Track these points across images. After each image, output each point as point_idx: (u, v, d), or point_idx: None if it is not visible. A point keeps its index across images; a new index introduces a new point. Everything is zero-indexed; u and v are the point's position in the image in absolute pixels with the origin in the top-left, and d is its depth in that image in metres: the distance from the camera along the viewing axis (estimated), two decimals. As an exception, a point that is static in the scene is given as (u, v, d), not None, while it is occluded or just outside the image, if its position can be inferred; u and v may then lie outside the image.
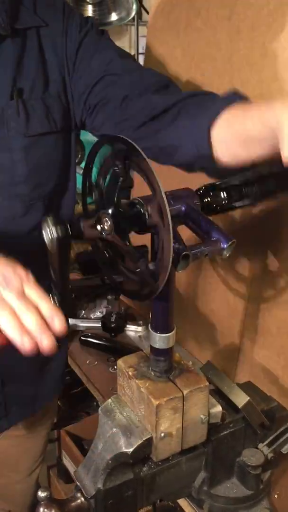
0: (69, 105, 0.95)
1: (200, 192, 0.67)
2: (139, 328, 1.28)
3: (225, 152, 0.75)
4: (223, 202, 0.68)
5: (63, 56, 0.92)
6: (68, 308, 0.66)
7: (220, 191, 0.68)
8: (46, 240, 0.60)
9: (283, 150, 0.63)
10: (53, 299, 0.65)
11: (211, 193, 0.67)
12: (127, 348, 1.20)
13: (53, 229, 0.59)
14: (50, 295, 0.65)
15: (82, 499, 0.69)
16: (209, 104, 0.80)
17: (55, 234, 0.59)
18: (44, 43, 0.91)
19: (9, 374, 1.04)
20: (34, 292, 0.62)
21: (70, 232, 0.60)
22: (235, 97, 0.78)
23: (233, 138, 0.73)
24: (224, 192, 0.69)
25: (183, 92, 0.90)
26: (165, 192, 0.54)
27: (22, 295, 0.61)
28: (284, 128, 0.63)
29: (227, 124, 0.74)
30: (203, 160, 0.79)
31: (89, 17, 0.99)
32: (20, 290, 0.61)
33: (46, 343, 0.59)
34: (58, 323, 0.61)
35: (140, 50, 2.04)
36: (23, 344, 0.59)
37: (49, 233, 0.59)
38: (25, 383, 1.08)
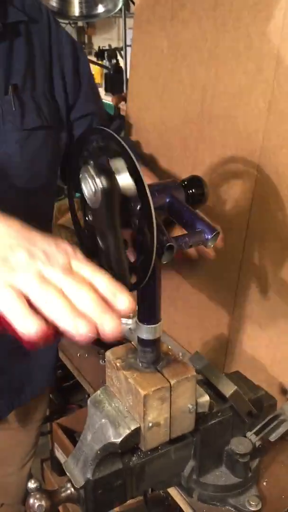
0: (58, 105, 1.00)
1: (184, 184, 0.67)
2: (129, 321, 1.27)
3: None
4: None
5: (50, 64, 0.98)
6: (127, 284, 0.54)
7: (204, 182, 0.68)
8: (87, 196, 0.51)
9: None
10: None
11: (195, 185, 0.67)
12: (117, 341, 1.19)
13: (97, 180, 0.49)
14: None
15: (72, 489, 0.70)
16: None
17: (99, 185, 0.49)
18: (31, 40, 0.95)
19: (17, 359, 1.04)
20: (86, 267, 0.50)
21: (118, 183, 0.49)
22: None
23: None
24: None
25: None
26: (149, 184, 0.54)
27: (71, 271, 0.50)
28: None
29: None
30: None
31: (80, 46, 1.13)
32: (67, 267, 0.50)
33: (110, 326, 0.48)
34: (122, 300, 0.49)
35: (128, 42, 2.03)
36: (78, 329, 0.47)
37: (92, 184, 0.49)
38: (13, 375, 1.08)
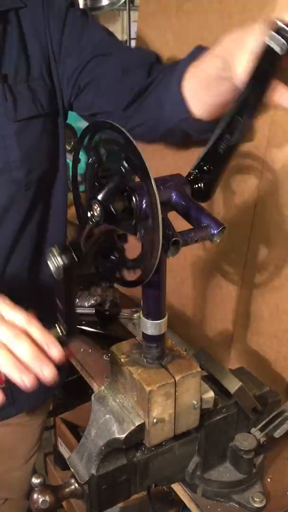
0: (54, 87, 0.95)
1: (190, 178, 0.66)
2: (134, 316, 1.28)
3: (197, 104, 0.82)
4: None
5: (46, 39, 0.92)
6: (74, 329, 0.67)
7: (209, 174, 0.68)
8: (52, 269, 0.60)
9: (234, 71, 0.69)
10: (60, 329, 0.64)
11: (201, 179, 0.67)
12: (121, 336, 1.20)
13: (59, 258, 0.59)
14: (57, 324, 0.64)
15: (76, 485, 0.70)
16: (177, 66, 0.86)
17: (61, 262, 0.58)
18: (24, 25, 0.91)
19: None
20: (20, 316, 0.61)
21: (76, 259, 0.59)
22: (197, 51, 0.85)
23: (198, 86, 0.80)
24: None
25: (165, 65, 0.97)
26: (155, 178, 0.54)
27: (4, 320, 0.61)
28: (232, 51, 0.70)
29: (191, 75, 0.81)
30: (182, 121, 0.85)
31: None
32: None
33: (49, 374, 0.59)
34: (55, 350, 0.59)
35: (132, 35, 2.01)
36: (24, 382, 0.59)
37: (55, 262, 0.59)
38: None
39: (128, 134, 0.53)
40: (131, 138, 0.53)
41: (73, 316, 0.66)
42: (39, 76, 0.92)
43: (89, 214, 0.59)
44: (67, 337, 0.64)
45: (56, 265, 0.59)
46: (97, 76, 0.93)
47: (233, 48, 0.72)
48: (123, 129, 0.54)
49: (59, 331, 0.64)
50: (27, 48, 0.91)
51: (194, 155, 1.09)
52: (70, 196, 0.79)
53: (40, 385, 1.09)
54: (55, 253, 0.59)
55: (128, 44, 1.92)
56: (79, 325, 1.24)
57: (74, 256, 0.59)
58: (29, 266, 1.01)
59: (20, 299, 0.79)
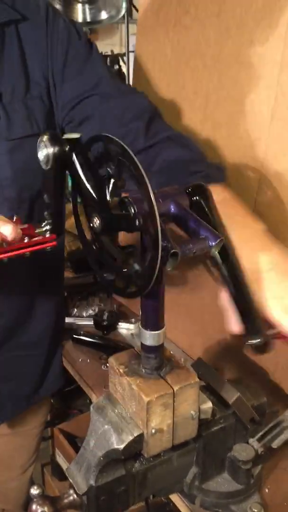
0: (52, 107, 0.93)
1: (188, 191, 0.67)
2: (131, 326, 1.28)
3: None
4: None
5: (47, 59, 0.91)
6: (60, 229, 0.68)
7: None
8: (40, 158, 0.60)
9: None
10: (45, 221, 0.65)
11: (199, 192, 0.67)
12: (119, 346, 1.20)
13: (49, 144, 0.59)
14: (44, 216, 0.65)
15: (75, 495, 0.69)
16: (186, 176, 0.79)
17: (51, 150, 0.58)
18: (24, 40, 0.89)
19: (6, 372, 1.05)
20: None
21: (66, 149, 0.59)
22: (214, 177, 0.80)
23: None
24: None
25: (165, 131, 0.91)
26: (153, 191, 0.55)
27: None
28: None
29: None
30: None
31: (76, 23, 0.97)
32: None
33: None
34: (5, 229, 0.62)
35: (131, 48, 2.03)
36: None
37: (44, 148, 0.59)
38: (23, 382, 1.09)
39: (126, 147, 0.54)
40: (129, 150, 0.54)
41: (60, 212, 0.66)
42: (37, 95, 0.90)
43: (90, 225, 0.60)
44: (51, 229, 0.65)
45: (45, 152, 0.59)
46: (94, 115, 0.91)
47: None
48: (121, 142, 0.55)
49: (44, 228, 0.65)
50: (27, 65, 0.89)
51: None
52: (69, 206, 0.80)
53: (25, 393, 1.10)
54: (45, 139, 0.59)
55: (126, 57, 1.94)
56: (77, 335, 1.25)
57: (65, 146, 0.59)
58: (25, 287, 1.01)
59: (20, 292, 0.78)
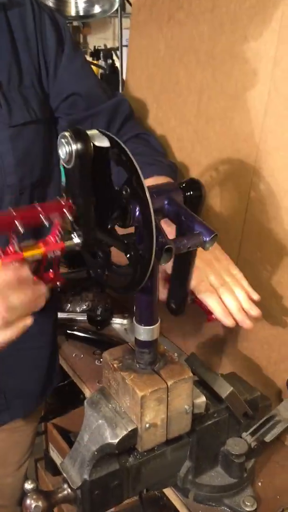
0: (45, 96, 0.96)
1: (182, 186, 0.67)
2: (125, 321, 1.28)
3: None
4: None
5: (37, 50, 0.93)
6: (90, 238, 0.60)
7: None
8: (62, 157, 0.55)
9: None
10: (74, 232, 0.59)
11: (193, 187, 0.68)
12: (113, 341, 1.20)
13: (71, 141, 0.53)
14: (73, 234, 0.59)
15: (69, 490, 0.70)
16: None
17: (74, 147, 0.53)
18: (13, 27, 0.90)
19: (7, 367, 1.05)
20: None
21: (92, 146, 0.53)
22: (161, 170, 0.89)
23: None
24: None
25: (135, 130, 1.04)
26: (148, 186, 0.55)
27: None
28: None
29: None
30: None
31: (60, 17, 1.00)
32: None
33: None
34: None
35: (124, 42, 2.03)
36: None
37: (67, 146, 0.53)
38: (27, 378, 1.09)
39: (121, 143, 0.54)
40: (124, 146, 0.54)
41: (90, 219, 0.58)
42: (30, 84, 0.92)
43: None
44: (83, 247, 0.59)
45: (68, 150, 0.53)
46: (78, 114, 0.99)
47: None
48: (116, 138, 0.55)
49: (74, 239, 0.58)
50: (18, 53, 0.91)
51: (186, 162, 1.10)
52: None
53: (33, 390, 1.11)
54: (68, 136, 0.53)
55: (120, 51, 1.93)
56: (70, 330, 1.25)
57: (91, 142, 0.53)
58: None
59: None
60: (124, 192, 0.56)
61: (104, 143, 0.55)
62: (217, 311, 0.81)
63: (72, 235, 0.59)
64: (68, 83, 0.98)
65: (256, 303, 0.83)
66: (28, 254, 0.57)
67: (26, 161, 0.93)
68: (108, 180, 0.58)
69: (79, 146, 0.53)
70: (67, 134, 0.54)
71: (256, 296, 0.84)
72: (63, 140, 0.54)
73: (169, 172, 0.94)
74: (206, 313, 0.84)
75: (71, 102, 0.99)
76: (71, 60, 0.98)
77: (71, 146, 0.54)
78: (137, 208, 0.56)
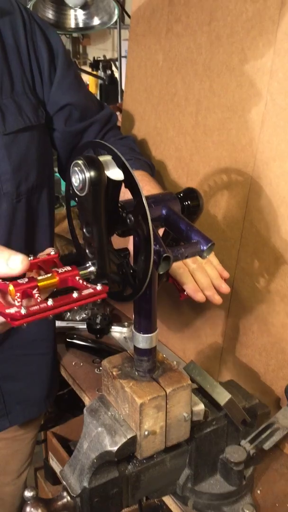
0: (39, 102, 0.98)
1: (180, 196, 0.68)
2: (124, 329, 1.29)
3: None
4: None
5: (28, 57, 0.95)
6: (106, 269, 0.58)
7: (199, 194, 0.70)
8: (75, 185, 0.54)
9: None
10: (89, 261, 0.57)
11: (191, 197, 0.69)
12: (112, 349, 1.21)
13: (85, 169, 0.52)
14: (87, 254, 0.57)
15: (68, 498, 0.70)
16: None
17: (87, 174, 0.52)
18: (4, 35, 0.92)
19: (8, 371, 1.05)
20: None
21: (105, 174, 0.53)
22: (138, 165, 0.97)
23: None
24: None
25: (117, 135, 1.12)
26: (146, 196, 0.56)
27: None
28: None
29: None
30: None
31: (52, 29, 1.03)
32: None
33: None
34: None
35: (123, 53, 2.05)
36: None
37: (80, 173, 0.52)
38: (28, 384, 1.09)
39: (119, 153, 0.55)
40: (121, 156, 0.55)
41: (104, 247, 0.57)
42: (22, 91, 0.94)
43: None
44: (98, 276, 0.57)
45: (81, 178, 0.52)
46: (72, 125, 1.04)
47: None
48: (114, 148, 0.56)
49: (89, 269, 0.56)
50: (9, 61, 0.92)
51: (184, 172, 1.11)
52: (62, 210, 0.80)
53: (34, 396, 1.11)
54: (80, 163, 0.52)
55: (119, 62, 1.95)
56: (70, 339, 1.25)
57: (103, 169, 0.52)
58: None
59: None
60: (128, 218, 0.57)
61: (117, 174, 0.54)
62: (189, 287, 0.85)
63: (87, 264, 0.58)
64: (63, 94, 1.00)
65: (226, 280, 0.89)
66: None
67: (22, 168, 0.93)
68: (115, 203, 0.58)
69: (92, 174, 0.52)
70: (80, 162, 0.53)
71: (226, 274, 0.89)
72: (76, 168, 0.53)
73: (146, 167, 1.02)
74: (178, 291, 0.89)
75: (66, 112, 1.02)
76: (66, 70, 1.01)
77: (84, 174, 0.53)
78: (135, 218, 0.57)
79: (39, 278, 0.54)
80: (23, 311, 0.50)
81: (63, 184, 0.85)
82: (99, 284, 0.56)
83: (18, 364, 1.07)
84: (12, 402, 1.08)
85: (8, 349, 1.04)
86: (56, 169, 1.13)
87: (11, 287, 0.52)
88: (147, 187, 0.93)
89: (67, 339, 1.25)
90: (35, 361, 1.10)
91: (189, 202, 0.68)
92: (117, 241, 0.63)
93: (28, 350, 1.08)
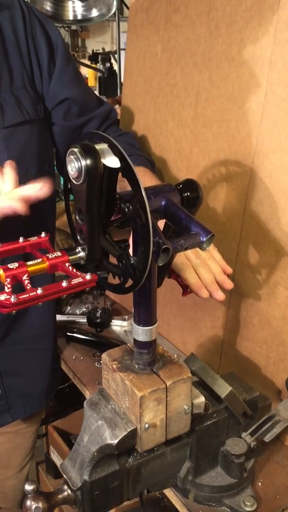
0: (38, 96, 0.97)
1: (179, 187, 0.68)
2: (124, 323, 1.29)
3: None
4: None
5: (29, 52, 0.94)
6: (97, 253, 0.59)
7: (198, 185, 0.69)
8: (71, 173, 0.53)
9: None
10: (79, 246, 0.58)
11: (190, 188, 0.68)
12: (112, 343, 1.20)
13: (81, 157, 0.51)
14: (78, 240, 0.58)
15: (69, 491, 0.70)
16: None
17: (83, 162, 0.51)
18: (4, 28, 0.92)
19: (10, 367, 1.05)
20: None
21: (101, 163, 0.52)
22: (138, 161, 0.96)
23: None
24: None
25: (116, 131, 1.12)
26: (145, 187, 0.55)
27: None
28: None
29: None
30: None
31: (50, 22, 1.02)
32: None
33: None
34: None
35: (122, 46, 2.04)
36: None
37: (76, 161, 0.52)
38: (29, 379, 1.10)
39: (118, 144, 0.54)
40: (121, 148, 0.54)
41: (95, 234, 0.57)
42: (21, 85, 0.93)
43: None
44: (87, 261, 0.58)
45: (77, 166, 0.52)
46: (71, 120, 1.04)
47: None
48: (113, 139, 0.55)
49: (79, 254, 0.58)
50: (8, 55, 0.92)
51: (183, 164, 1.11)
52: (62, 204, 0.80)
53: (35, 391, 1.11)
54: (77, 151, 0.52)
55: (118, 55, 1.94)
56: (70, 333, 1.25)
57: (99, 158, 0.52)
58: None
59: None
60: (127, 209, 0.57)
61: (113, 162, 0.54)
62: (192, 283, 0.84)
63: (77, 249, 0.59)
64: (62, 88, 1.00)
65: (228, 276, 0.88)
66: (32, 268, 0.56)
67: (22, 162, 0.92)
68: (113, 192, 0.58)
69: (88, 162, 0.52)
70: (76, 150, 0.52)
71: (229, 269, 0.88)
72: (72, 156, 0.52)
73: (147, 164, 1.01)
74: (182, 288, 0.87)
75: (65, 107, 1.01)
76: (65, 65, 1.00)
77: (80, 162, 0.52)
78: (134, 209, 0.56)
79: (29, 263, 0.55)
80: (13, 299, 0.51)
81: (62, 177, 0.85)
82: (88, 274, 0.57)
83: (19, 360, 1.07)
84: (14, 397, 1.08)
85: (9, 345, 1.04)
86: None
87: (0, 272, 0.52)
88: (149, 183, 0.92)
89: (68, 333, 1.25)
90: (36, 356, 1.10)
91: (188, 193, 0.68)
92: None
93: (29, 346, 1.08)
